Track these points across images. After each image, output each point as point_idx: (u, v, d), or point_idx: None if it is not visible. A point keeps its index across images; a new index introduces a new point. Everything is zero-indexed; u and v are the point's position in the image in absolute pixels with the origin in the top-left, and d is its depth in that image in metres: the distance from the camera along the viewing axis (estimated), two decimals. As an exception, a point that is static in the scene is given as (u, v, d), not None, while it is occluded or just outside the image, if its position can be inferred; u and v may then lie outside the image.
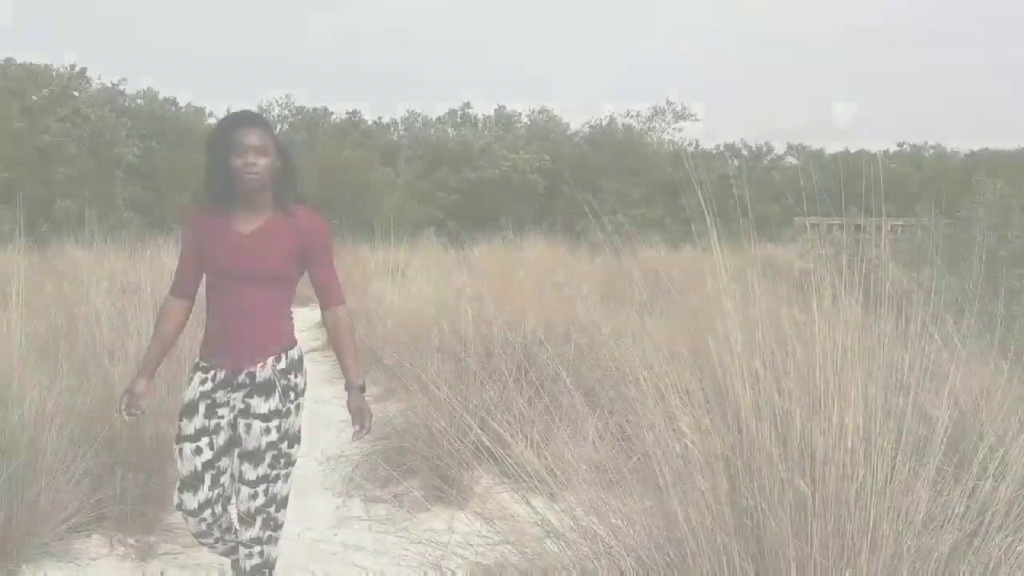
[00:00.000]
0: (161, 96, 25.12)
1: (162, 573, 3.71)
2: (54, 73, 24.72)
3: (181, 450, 2.97)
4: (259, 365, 2.95)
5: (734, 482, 2.28)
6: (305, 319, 12.62)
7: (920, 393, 2.58)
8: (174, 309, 3.10)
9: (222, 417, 2.97)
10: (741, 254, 3.33)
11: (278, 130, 31.58)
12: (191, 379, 3.04)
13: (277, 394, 2.95)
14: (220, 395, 2.97)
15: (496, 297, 6.40)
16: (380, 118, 32.22)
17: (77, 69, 25.03)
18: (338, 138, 27.19)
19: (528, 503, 2.98)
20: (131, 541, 3.93)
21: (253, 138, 2.82)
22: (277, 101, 31.09)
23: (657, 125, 32.90)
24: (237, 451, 2.97)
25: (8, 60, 25.21)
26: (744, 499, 2.27)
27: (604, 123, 31.97)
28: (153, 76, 67.89)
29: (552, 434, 4.47)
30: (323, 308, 3.10)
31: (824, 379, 2.43)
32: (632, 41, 71.63)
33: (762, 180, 30.97)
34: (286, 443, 2.97)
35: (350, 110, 31.47)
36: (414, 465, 4.76)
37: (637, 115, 32.59)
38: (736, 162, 34.09)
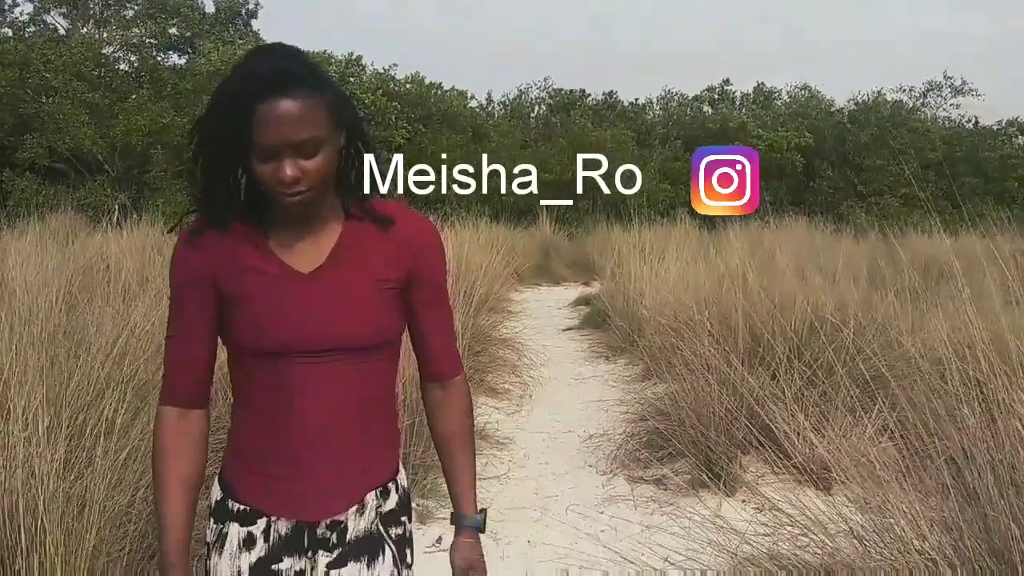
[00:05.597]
0: (427, 81, 26.21)
1: (439, 538, 3.85)
2: (332, 60, 26.49)
3: None
4: (353, 509, 1.60)
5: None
6: (558, 297, 12.90)
7: None
8: (182, 431, 1.56)
9: None
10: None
11: (535, 112, 32.12)
12: (220, 535, 1.59)
13: (388, 556, 1.62)
14: (287, 564, 1.57)
15: (760, 280, 6.20)
16: (636, 99, 31.99)
17: (354, 56, 26.74)
18: (594, 120, 27.31)
19: (825, 496, 2.84)
20: (413, 505, 4.14)
21: (289, 126, 1.35)
22: (535, 84, 31.53)
23: (932, 101, 30.52)
24: None
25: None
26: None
27: (870, 99, 30.06)
28: (420, 61, 70.88)
29: (826, 426, 4.29)
30: (430, 379, 1.71)
31: None
32: (905, 11, 66.79)
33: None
34: None
35: (606, 91, 31.53)
36: (678, 448, 4.71)
37: (910, 90, 30.37)
38: (1021, 140, 30.96)
